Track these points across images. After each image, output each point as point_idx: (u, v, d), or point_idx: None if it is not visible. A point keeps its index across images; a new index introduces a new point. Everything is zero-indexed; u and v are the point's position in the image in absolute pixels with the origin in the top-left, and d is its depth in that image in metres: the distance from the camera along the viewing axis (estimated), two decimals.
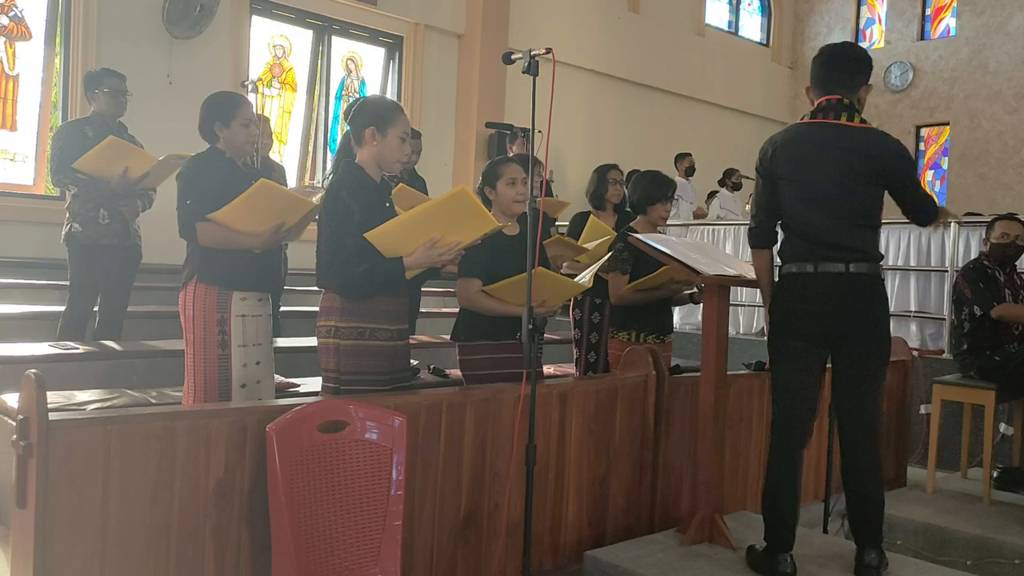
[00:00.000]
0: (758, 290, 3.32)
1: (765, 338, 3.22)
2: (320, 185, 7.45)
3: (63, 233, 4.59)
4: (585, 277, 3.42)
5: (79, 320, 4.67)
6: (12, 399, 3.31)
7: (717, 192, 9.86)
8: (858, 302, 2.96)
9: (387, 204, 2.96)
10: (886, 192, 3.03)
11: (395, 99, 8.83)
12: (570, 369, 5.05)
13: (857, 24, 13.25)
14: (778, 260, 3.16)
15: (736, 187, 9.85)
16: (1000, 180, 11.56)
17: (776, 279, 3.17)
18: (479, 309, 3.25)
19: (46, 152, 6.48)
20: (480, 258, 3.18)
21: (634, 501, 3.57)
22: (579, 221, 4.84)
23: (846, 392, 3.05)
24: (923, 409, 4.93)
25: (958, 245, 5.83)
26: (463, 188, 2.79)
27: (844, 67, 3.05)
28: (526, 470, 2.72)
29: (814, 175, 2.98)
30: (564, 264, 4.44)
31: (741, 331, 7.09)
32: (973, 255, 5.57)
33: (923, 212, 3.08)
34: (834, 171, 2.96)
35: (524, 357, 2.71)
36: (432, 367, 5.08)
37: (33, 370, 2.11)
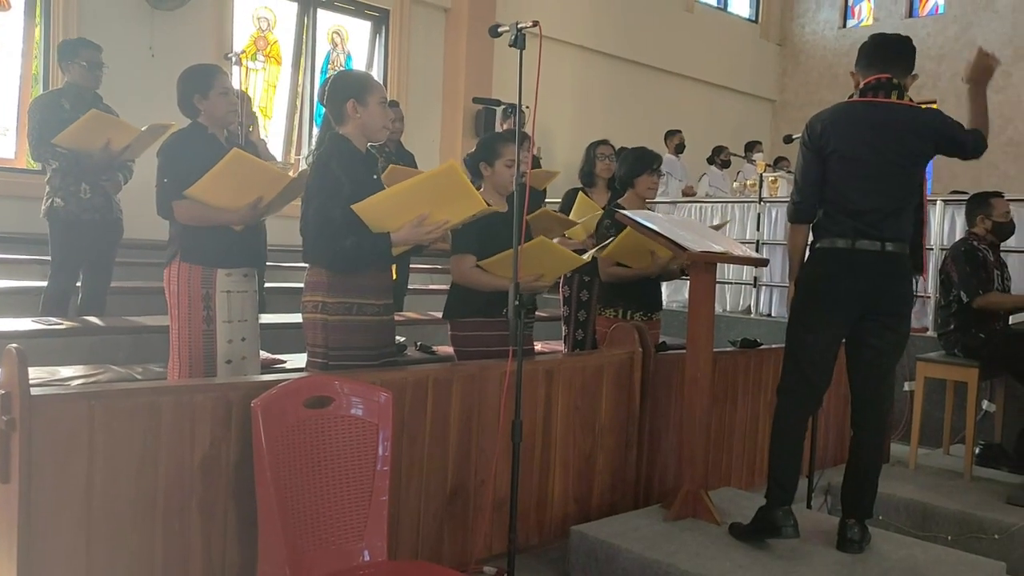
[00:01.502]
0: (745, 267, 3.33)
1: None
2: (304, 158, 7.39)
3: (43, 208, 4.52)
4: (588, 253, 3.44)
5: (61, 296, 4.62)
6: None
7: (704, 173, 9.84)
8: (890, 279, 3.06)
9: (375, 176, 2.94)
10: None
11: (381, 73, 8.77)
12: (559, 347, 5.06)
13: (846, 2, 13.20)
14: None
15: (725, 164, 9.83)
16: (986, 159, 11.41)
17: (810, 252, 3.20)
18: (474, 285, 3.25)
19: (26, 125, 6.39)
20: (473, 234, 3.18)
21: (619, 477, 3.59)
22: (569, 197, 4.84)
23: (866, 366, 3.12)
24: (907, 386, 4.97)
25: (944, 224, 5.86)
26: (452, 164, 2.77)
27: (897, 48, 3.15)
28: (512, 446, 2.73)
29: (866, 153, 3.02)
30: (555, 239, 4.43)
31: (727, 309, 7.11)
32: (958, 234, 5.59)
33: (983, 141, 3.17)
34: (887, 150, 3.02)
35: (511, 334, 2.71)
36: (419, 344, 5.07)
37: (14, 345, 2.09)
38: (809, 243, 3.20)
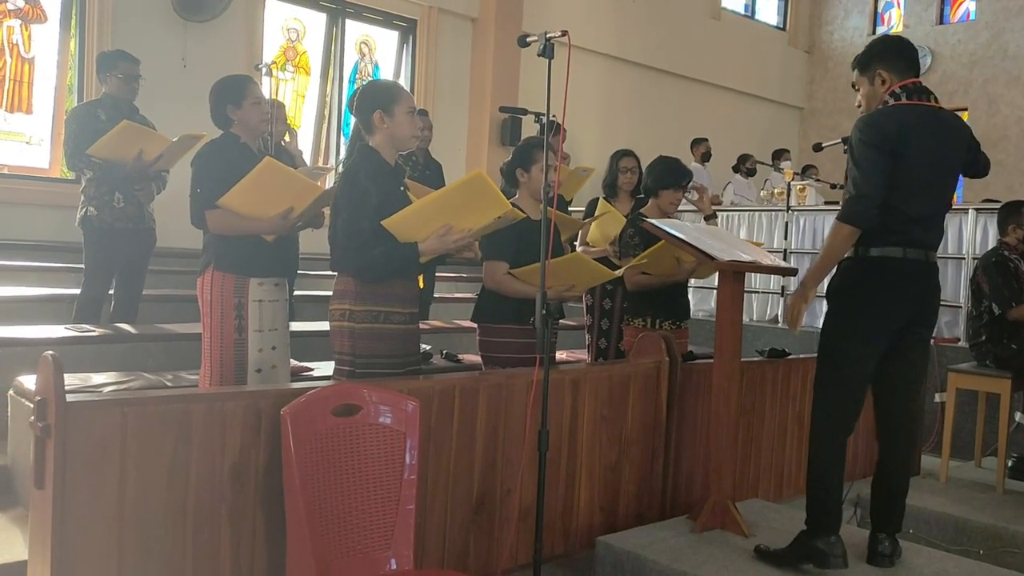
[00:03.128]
0: (772, 276, 3.27)
1: (782, 324, 3.17)
2: (332, 167, 7.45)
3: (78, 216, 4.61)
4: (621, 270, 3.47)
5: (94, 303, 4.69)
6: (29, 381, 3.35)
7: (729, 182, 9.78)
8: (933, 290, 3.02)
9: (401, 188, 2.97)
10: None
11: (408, 83, 8.83)
12: (582, 355, 5.06)
13: (875, 8, 13.09)
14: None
15: (750, 173, 9.77)
16: (1019, 167, 11.42)
17: (854, 260, 3.00)
18: (506, 291, 3.29)
19: (61, 135, 6.50)
20: (507, 240, 3.22)
21: (646, 487, 3.58)
22: (592, 206, 4.86)
23: (902, 380, 3.05)
24: (937, 398, 4.91)
25: (976, 233, 5.78)
26: (479, 172, 2.80)
27: (916, 54, 3.06)
28: (539, 455, 2.73)
29: (931, 159, 2.92)
30: (564, 238, 4.45)
31: (755, 318, 7.06)
32: (990, 243, 5.51)
33: (987, 161, 3.14)
34: (947, 156, 2.97)
35: (537, 342, 2.71)
36: (445, 352, 5.09)
37: (51, 352, 2.12)
38: (852, 250, 3.02)
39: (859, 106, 3.13)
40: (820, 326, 3.15)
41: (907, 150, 2.87)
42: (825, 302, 3.10)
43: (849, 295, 3.01)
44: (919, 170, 2.90)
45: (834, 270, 3.09)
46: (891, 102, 2.96)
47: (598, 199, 4.84)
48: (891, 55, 3.02)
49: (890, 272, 2.93)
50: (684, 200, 4.23)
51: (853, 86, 3.15)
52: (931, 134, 2.92)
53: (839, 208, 3.04)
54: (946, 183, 3.02)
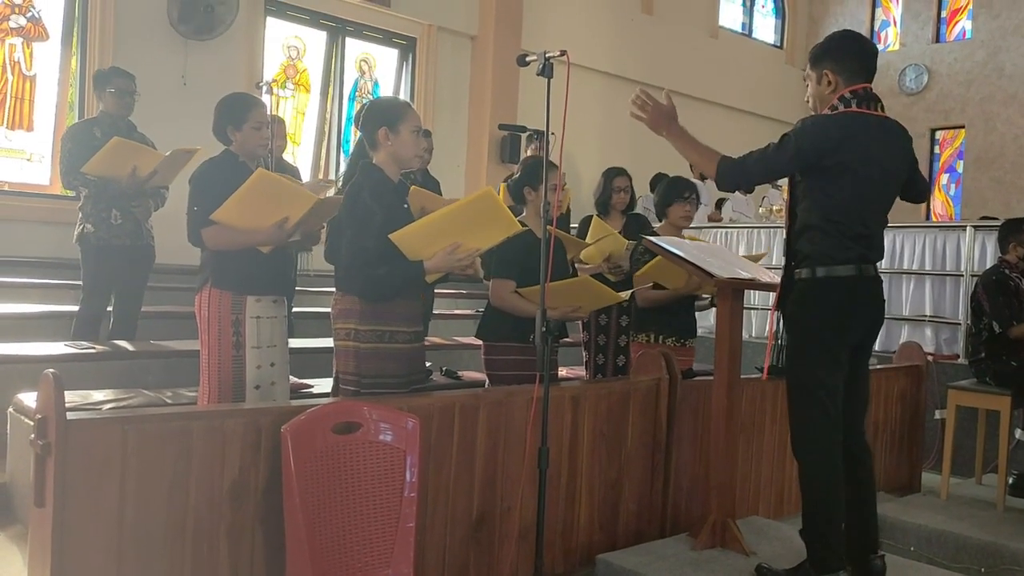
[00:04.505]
0: (771, 293, 3.24)
1: (782, 342, 3.11)
2: (335, 180, 7.47)
3: (76, 233, 4.61)
4: (626, 293, 3.49)
5: (92, 320, 4.69)
6: (28, 398, 3.34)
7: (727, 198, 9.80)
8: (881, 304, 3.01)
9: (404, 206, 2.98)
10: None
11: (408, 100, 8.86)
12: (582, 372, 5.05)
13: (872, 26, 13.18)
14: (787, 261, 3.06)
15: (749, 190, 9.79)
16: (1016, 184, 11.47)
17: (810, 281, 2.93)
18: (512, 310, 3.30)
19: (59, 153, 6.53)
20: (514, 259, 3.23)
21: (646, 505, 3.57)
22: (585, 223, 4.86)
23: (857, 394, 3.03)
24: (937, 414, 4.91)
25: (974, 250, 5.79)
26: (488, 190, 2.81)
27: (873, 58, 2.96)
28: (539, 473, 2.72)
29: (876, 173, 2.85)
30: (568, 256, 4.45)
31: (753, 334, 7.07)
32: (989, 260, 5.53)
33: (925, 187, 3.13)
34: (892, 166, 2.91)
35: (537, 360, 2.72)
36: (444, 369, 5.08)
37: (51, 370, 2.13)
38: (796, 272, 2.95)
39: (807, 100, 3.04)
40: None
41: (847, 162, 2.80)
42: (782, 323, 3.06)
43: (809, 319, 2.94)
44: (866, 185, 2.84)
45: (787, 290, 3.00)
46: (840, 108, 2.86)
47: (591, 216, 4.84)
48: (843, 56, 2.90)
49: (847, 290, 2.88)
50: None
51: (804, 79, 3.08)
52: (878, 146, 2.85)
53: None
54: (890, 198, 2.97)
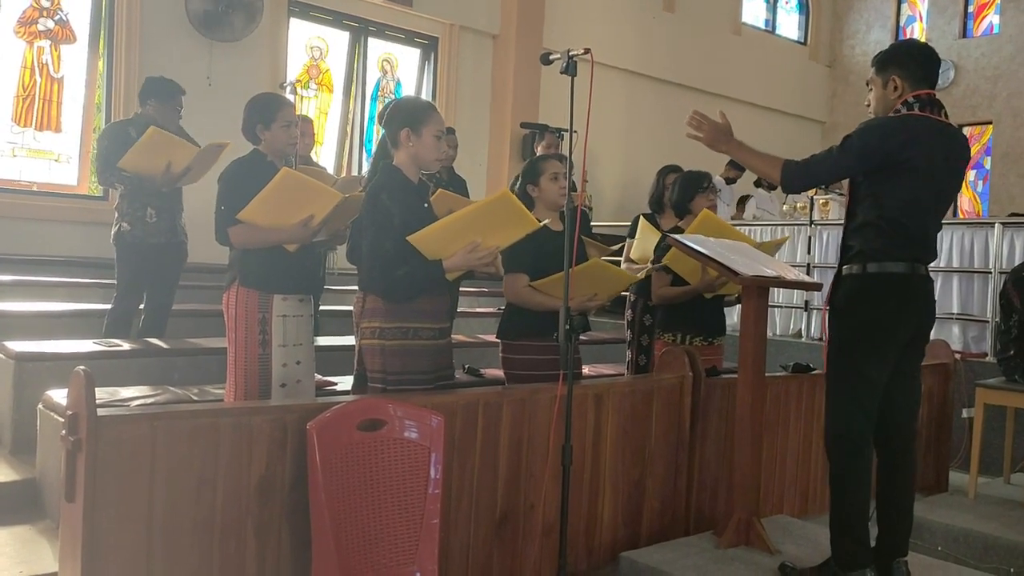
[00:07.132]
0: (795, 291, 3.24)
1: (818, 339, 3.12)
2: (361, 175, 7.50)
3: (112, 232, 4.69)
4: (642, 272, 3.45)
5: (125, 318, 4.75)
6: (58, 395, 3.39)
7: (751, 195, 9.73)
8: (932, 304, 3.01)
9: (425, 205, 2.99)
10: None
11: (430, 99, 8.88)
12: (605, 369, 5.04)
13: (898, 21, 13.03)
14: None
15: (772, 187, 9.72)
16: None
17: (860, 276, 2.94)
18: (527, 304, 3.29)
19: (90, 153, 6.61)
20: (526, 253, 3.21)
21: (669, 503, 3.56)
22: (635, 223, 4.80)
23: (905, 394, 3.01)
24: (965, 413, 4.85)
25: (1002, 247, 5.72)
26: (505, 192, 2.81)
27: (937, 65, 3.02)
28: (562, 470, 2.73)
29: (939, 175, 2.90)
30: (623, 264, 4.45)
31: (778, 332, 7.02)
32: (1018, 257, 5.46)
33: None
34: (952, 170, 2.96)
35: (560, 357, 2.71)
36: (467, 367, 5.09)
37: (82, 367, 2.16)
38: (848, 267, 2.97)
39: (868, 105, 3.08)
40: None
41: (913, 163, 2.83)
42: (827, 316, 3.05)
43: (856, 312, 2.94)
44: (929, 187, 2.88)
45: (838, 285, 3.02)
46: (903, 111, 2.91)
47: (639, 216, 4.78)
48: (910, 62, 2.96)
49: (896, 289, 2.89)
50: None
51: (867, 84, 3.10)
52: (940, 150, 2.89)
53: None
54: (948, 201, 3.02)
